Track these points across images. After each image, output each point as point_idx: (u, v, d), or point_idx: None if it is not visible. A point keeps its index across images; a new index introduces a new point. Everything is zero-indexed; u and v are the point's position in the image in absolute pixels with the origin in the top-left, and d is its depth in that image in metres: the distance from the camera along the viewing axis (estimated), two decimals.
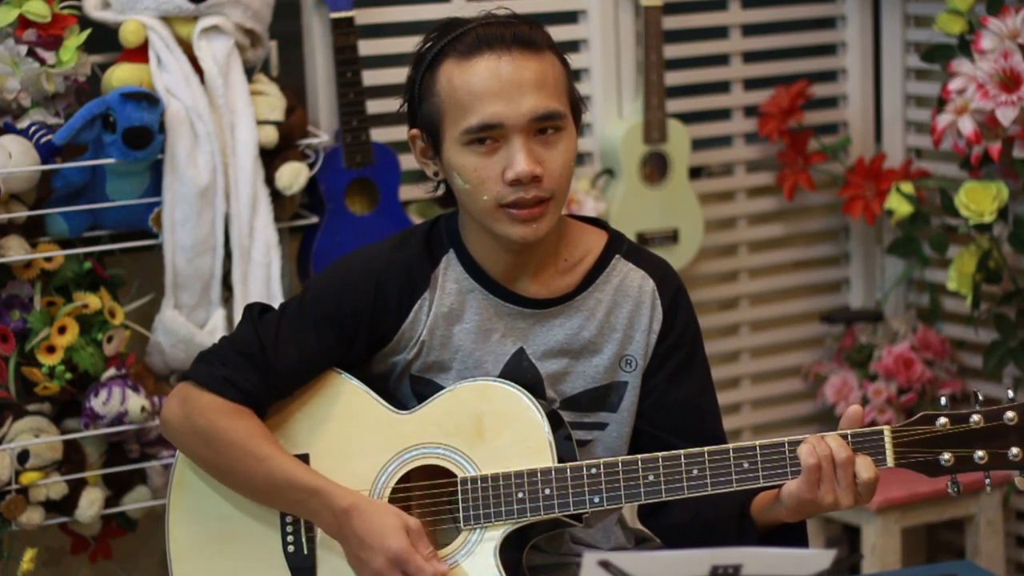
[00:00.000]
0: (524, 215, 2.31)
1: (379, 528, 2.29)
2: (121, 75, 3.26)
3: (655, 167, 3.92)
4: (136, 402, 3.19)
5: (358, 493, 2.34)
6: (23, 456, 3.14)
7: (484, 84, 2.29)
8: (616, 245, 2.47)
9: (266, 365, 2.40)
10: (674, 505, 2.36)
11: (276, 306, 2.49)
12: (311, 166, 3.46)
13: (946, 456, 2.25)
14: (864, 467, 2.22)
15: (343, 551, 2.37)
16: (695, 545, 2.35)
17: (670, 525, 2.44)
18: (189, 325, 3.30)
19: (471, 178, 2.31)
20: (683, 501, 2.33)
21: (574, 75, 2.42)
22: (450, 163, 2.34)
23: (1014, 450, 2.24)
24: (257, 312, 2.46)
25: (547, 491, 2.31)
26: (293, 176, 3.40)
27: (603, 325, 2.43)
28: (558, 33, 3.82)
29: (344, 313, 2.41)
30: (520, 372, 2.41)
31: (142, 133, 3.15)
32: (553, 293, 2.43)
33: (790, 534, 2.35)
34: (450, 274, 2.43)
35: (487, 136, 2.30)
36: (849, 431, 2.26)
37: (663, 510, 2.41)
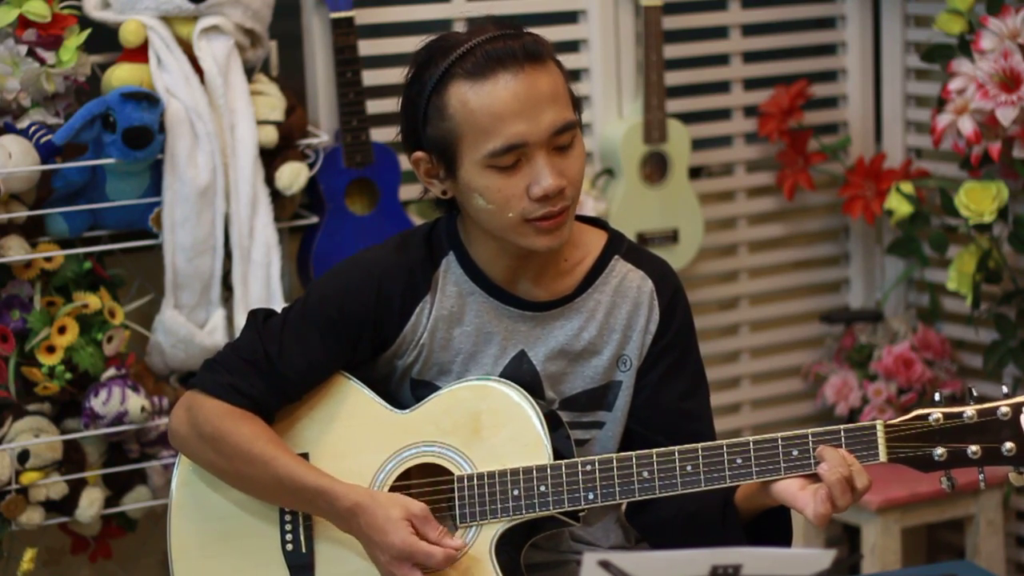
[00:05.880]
0: (549, 225, 2.31)
1: (382, 525, 2.29)
2: (121, 75, 3.26)
3: (655, 167, 3.92)
4: (136, 402, 3.19)
5: (361, 490, 2.34)
6: (23, 456, 3.15)
7: (505, 105, 2.26)
8: (615, 245, 2.47)
9: (271, 371, 2.40)
10: (660, 501, 2.36)
11: (278, 309, 2.50)
12: (311, 166, 3.46)
13: (939, 451, 2.25)
14: (860, 477, 2.23)
15: (341, 551, 2.38)
16: (679, 537, 2.37)
17: (655, 521, 2.43)
18: (189, 325, 3.30)
19: (495, 198, 2.30)
20: (669, 496, 2.33)
21: (571, 75, 2.41)
22: (469, 185, 2.31)
23: (1008, 445, 2.23)
24: (261, 318, 2.46)
25: (542, 488, 2.32)
26: (293, 176, 3.40)
27: (603, 326, 2.43)
28: (558, 33, 3.88)
29: (347, 317, 2.41)
30: (520, 374, 2.41)
31: (142, 133, 3.15)
32: (552, 295, 2.43)
33: (775, 522, 2.35)
34: (450, 277, 2.43)
35: (511, 156, 2.28)
36: (843, 427, 2.26)
37: (650, 506, 2.41)
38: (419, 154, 2.37)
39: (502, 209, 2.30)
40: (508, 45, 2.28)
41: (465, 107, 2.28)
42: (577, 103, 2.37)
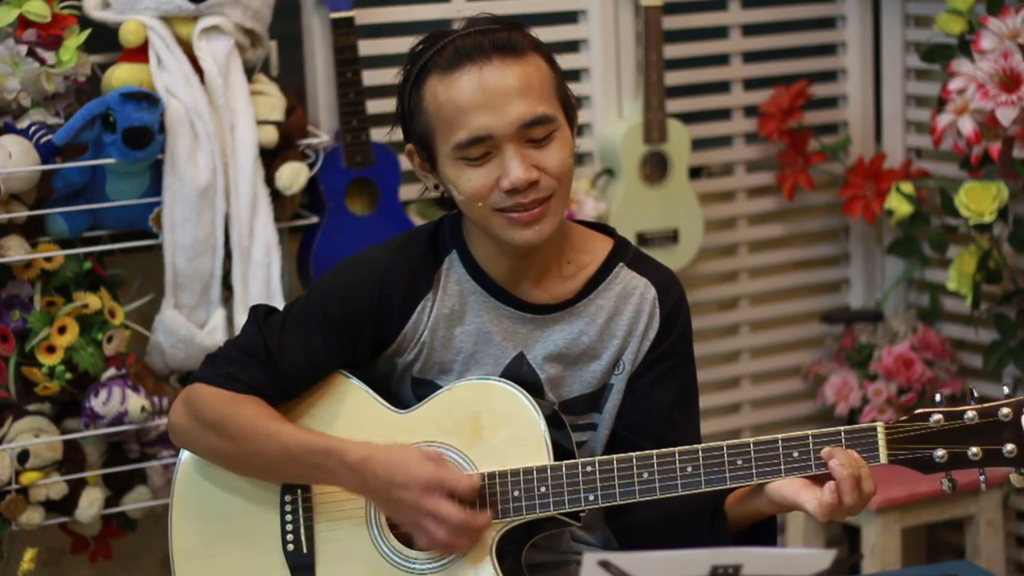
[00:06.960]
0: (525, 218, 2.31)
1: (401, 462, 2.28)
2: (121, 75, 3.26)
3: (655, 167, 3.92)
4: (136, 402, 3.19)
5: (368, 443, 2.33)
6: (23, 456, 3.15)
7: (468, 97, 2.28)
8: (621, 253, 2.47)
9: (271, 365, 2.40)
10: (641, 503, 2.34)
11: (280, 307, 2.50)
12: (311, 166, 3.46)
13: (940, 452, 2.25)
14: (867, 480, 2.23)
15: (342, 551, 2.38)
16: (660, 540, 2.36)
17: (634, 523, 2.41)
18: (189, 325, 3.30)
19: (466, 189, 2.31)
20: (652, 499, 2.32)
21: (566, 73, 2.41)
22: (445, 176, 2.35)
23: (1008, 446, 2.24)
24: (262, 314, 2.46)
25: (542, 489, 2.31)
26: (293, 176, 3.40)
27: (603, 332, 2.43)
28: (558, 33, 3.88)
29: (348, 314, 2.41)
30: (520, 376, 2.41)
31: (142, 133, 3.15)
32: (554, 298, 2.43)
33: (762, 532, 2.35)
34: (452, 275, 2.43)
35: (478, 148, 2.30)
36: (843, 428, 2.26)
37: (629, 508, 2.38)
38: (410, 147, 2.41)
39: (472, 200, 2.31)
40: (477, 40, 2.30)
41: (435, 101, 2.31)
42: (568, 100, 2.37)
